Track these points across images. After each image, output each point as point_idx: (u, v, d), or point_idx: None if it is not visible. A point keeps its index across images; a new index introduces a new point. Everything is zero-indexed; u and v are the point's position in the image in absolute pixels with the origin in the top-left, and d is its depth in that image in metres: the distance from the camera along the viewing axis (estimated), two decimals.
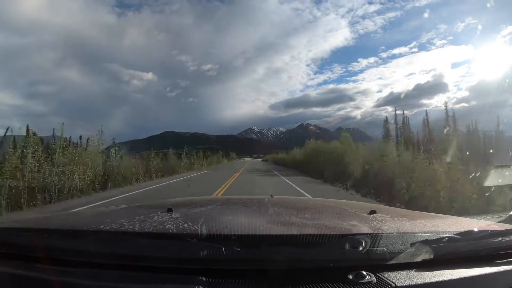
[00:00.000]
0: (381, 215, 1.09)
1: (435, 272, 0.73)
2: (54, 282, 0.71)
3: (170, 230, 0.85)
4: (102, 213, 1.25)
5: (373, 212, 1.10)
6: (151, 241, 0.79)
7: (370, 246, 0.72)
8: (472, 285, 0.73)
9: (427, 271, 0.73)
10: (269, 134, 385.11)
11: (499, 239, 0.83)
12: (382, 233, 0.79)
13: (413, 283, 0.69)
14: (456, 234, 0.82)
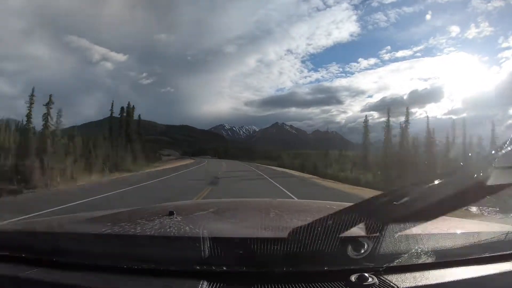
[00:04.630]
0: None
1: (438, 274, 0.73)
2: (55, 285, 0.72)
3: (172, 233, 0.85)
4: (103, 216, 1.25)
5: None
6: (152, 244, 0.79)
7: (372, 248, 0.72)
8: (475, 286, 0.73)
9: (429, 273, 0.73)
10: (241, 132, 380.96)
11: (502, 240, 0.83)
12: (384, 235, 0.77)
13: (416, 285, 0.70)
14: (459, 236, 0.85)
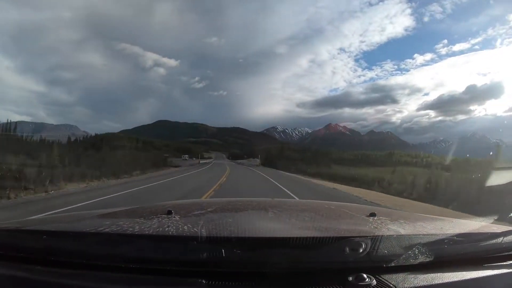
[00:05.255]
0: (381, 217, 1.12)
1: (435, 274, 0.74)
2: (54, 284, 0.72)
3: (170, 233, 0.86)
4: (101, 215, 1.23)
5: (373, 214, 1.13)
6: (151, 243, 0.80)
7: (370, 249, 0.73)
8: (473, 287, 0.74)
9: (427, 273, 0.74)
10: (294, 134, 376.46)
11: (499, 240, 0.84)
12: (382, 235, 0.79)
13: (414, 285, 0.70)
14: (456, 236, 0.84)
